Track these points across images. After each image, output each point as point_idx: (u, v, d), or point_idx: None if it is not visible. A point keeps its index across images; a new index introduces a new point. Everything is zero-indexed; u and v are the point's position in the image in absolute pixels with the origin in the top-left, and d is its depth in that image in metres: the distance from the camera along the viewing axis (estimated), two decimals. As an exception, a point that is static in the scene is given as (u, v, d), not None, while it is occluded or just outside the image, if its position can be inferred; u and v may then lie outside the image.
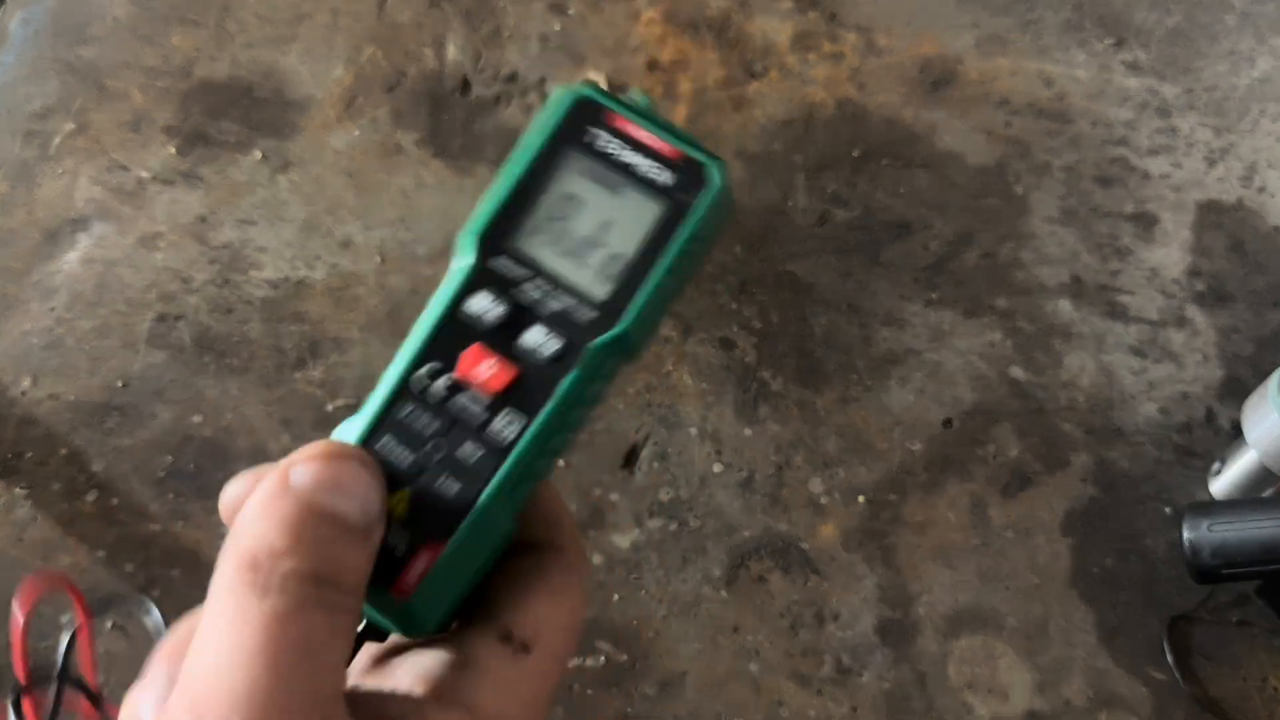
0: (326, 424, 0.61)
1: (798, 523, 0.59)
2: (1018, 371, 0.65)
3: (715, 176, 0.25)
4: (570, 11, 0.76)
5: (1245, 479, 0.58)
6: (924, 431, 0.62)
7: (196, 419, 0.61)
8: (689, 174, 0.25)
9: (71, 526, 0.58)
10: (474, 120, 0.72)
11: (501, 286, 0.25)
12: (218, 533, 0.57)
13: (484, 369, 0.24)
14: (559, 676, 0.24)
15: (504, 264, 0.25)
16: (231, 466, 0.59)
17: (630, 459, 0.61)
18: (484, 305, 0.24)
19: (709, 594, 0.57)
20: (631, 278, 0.24)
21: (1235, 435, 0.59)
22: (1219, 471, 0.60)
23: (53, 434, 0.60)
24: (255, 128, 0.71)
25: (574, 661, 0.55)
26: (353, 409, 0.25)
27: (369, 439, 0.24)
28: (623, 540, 0.59)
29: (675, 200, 0.25)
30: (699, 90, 0.74)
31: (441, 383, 0.24)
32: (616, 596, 0.57)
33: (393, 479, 0.24)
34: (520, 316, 0.24)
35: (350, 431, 0.25)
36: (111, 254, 0.66)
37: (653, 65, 0.75)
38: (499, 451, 0.24)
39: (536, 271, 0.25)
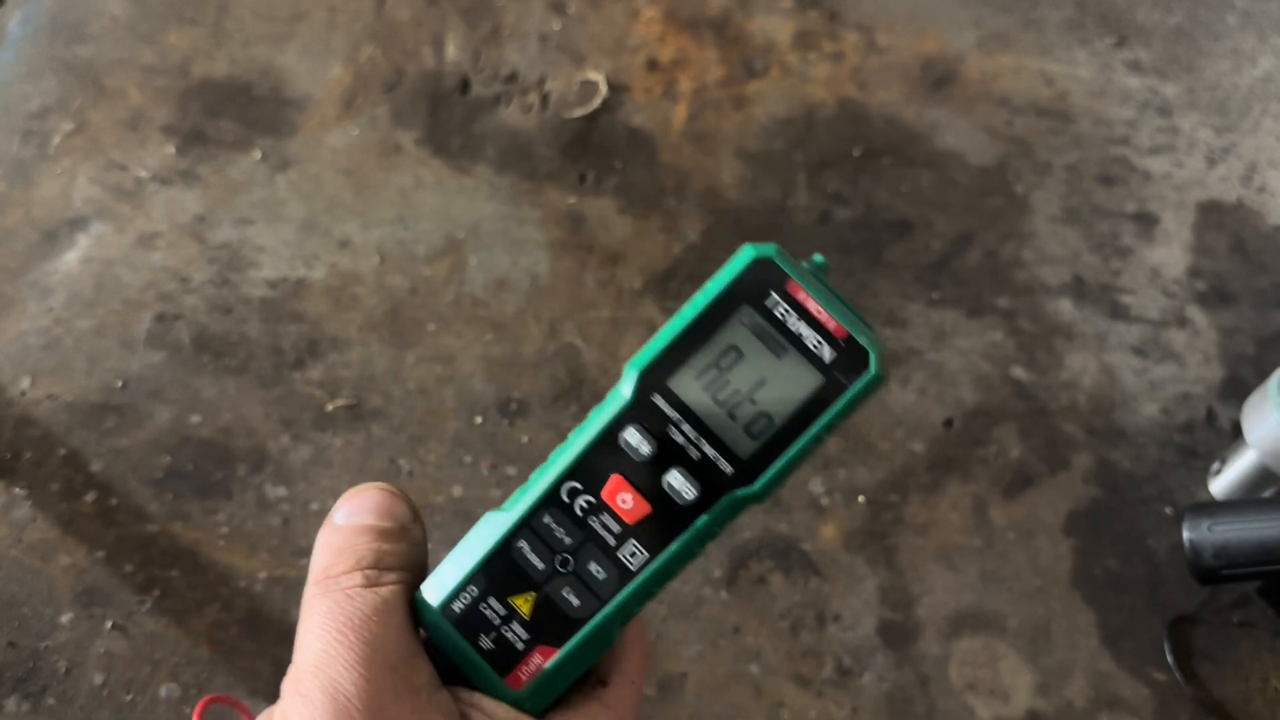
0: (325, 424, 0.60)
1: (799, 524, 0.59)
2: (1019, 372, 0.64)
3: (874, 363, 0.26)
4: (570, 10, 0.76)
5: (1246, 479, 0.58)
6: (926, 432, 0.62)
7: (195, 419, 0.61)
8: (850, 355, 0.26)
9: (70, 527, 0.57)
10: (473, 119, 0.72)
11: (654, 423, 0.26)
12: (217, 532, 0.57)
13: (623, 499, 0.26)
14: (637, 706, 0.28)
15: (660, 402, 0.26)
16: (230, 466, 0.59)
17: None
18: (636, 440, 0.26)
19: (710, 595, 0.57)
20: (776, 442, 0.26)
21: (1236, 435, 0.59)
22: (1219, 471, 0.60)
23: (51, 434, 0.60)
24: (253, 126, 0.71)
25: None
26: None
27: (512, 535, 0.27)
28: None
29: (833, 378, 0.26)
30: (699, 89, 0.74)
31: (583, 500, 0.27)
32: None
33: (526, 578, 0.27)
34: (667, 456, 0.26)
35: (500, 525, 0.27)
36: (109, 253, 0.66)
37: (652, 64, 0.74)
38: (624, 576, 0.26)
39: (689, 415, 0.26)
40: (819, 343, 0.26)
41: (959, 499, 0.60)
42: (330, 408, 0.61)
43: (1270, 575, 0.53)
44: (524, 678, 0.26)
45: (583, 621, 0.26)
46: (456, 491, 0.58)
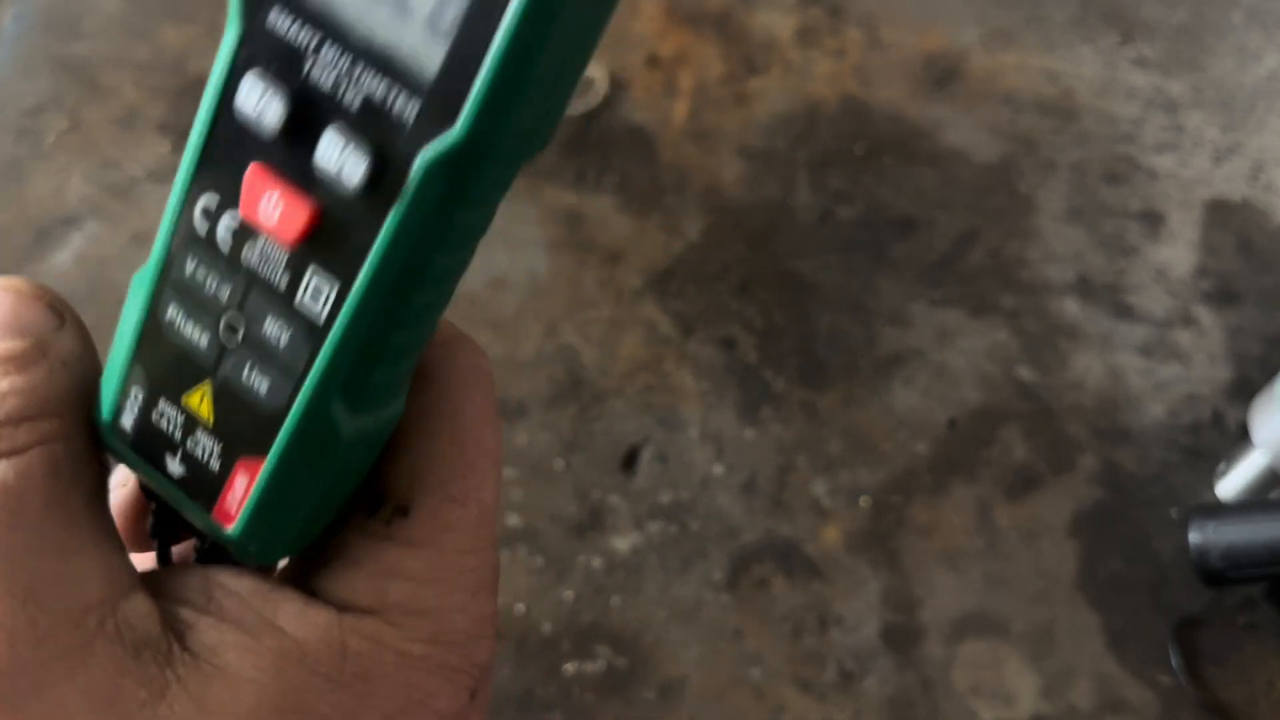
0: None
1: (800, 526, 0.59)
2: (1024, 372, 0.64)
3: None
4: (569, 6, 0.76)
5: (1252, 480, 0.58)
6: (929, 433, 0.62)
7: (190, 420, 0.60)
8: None
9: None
10: (472, 116, 0.72)
11: (279, 60, 0.16)
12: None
13: (270, 206, 0.16)
14: (476, 537, 0.18)
15: (283, 21, 0.16)
16: None
17: (630, 461, 0.60)
18: (258, 94, 0.16)
19: (710, 598, 0.57)
20: (476, 33, 0.14)
21: (1243, 436, 0.58)
22: (1225, 473, 0.59)
23: (44, 435, 0.59)
24: (250, 124, 0.70)
25: (572, 666, 0.54)
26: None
27: (155, 302, 0.18)
28: (622, 543, 0.58)
29: None
30: (700, 85, 0.73)
31: (225, 224, 0.17)
32: (616, 601, 0.56)
33: (192, 364, 0.17)
34: (310, 113, 0.15)
35: (141, 289, 0.18)
36: (104, 252, 0.65)
37: (653, 61, 0.74)
38: (311, 332, 0.16)
39: (330, 28, 0.15)
40: None
41: (962, 500, 0.60)
42: (327, 408, 0.61)
43: (1277, 578, 0.53)
44: (233, 509, 0.17)
45: (280, 413, 0.16)
46: (454, 493, 0.58)
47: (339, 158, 0.15)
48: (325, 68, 0.15)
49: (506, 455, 0.60)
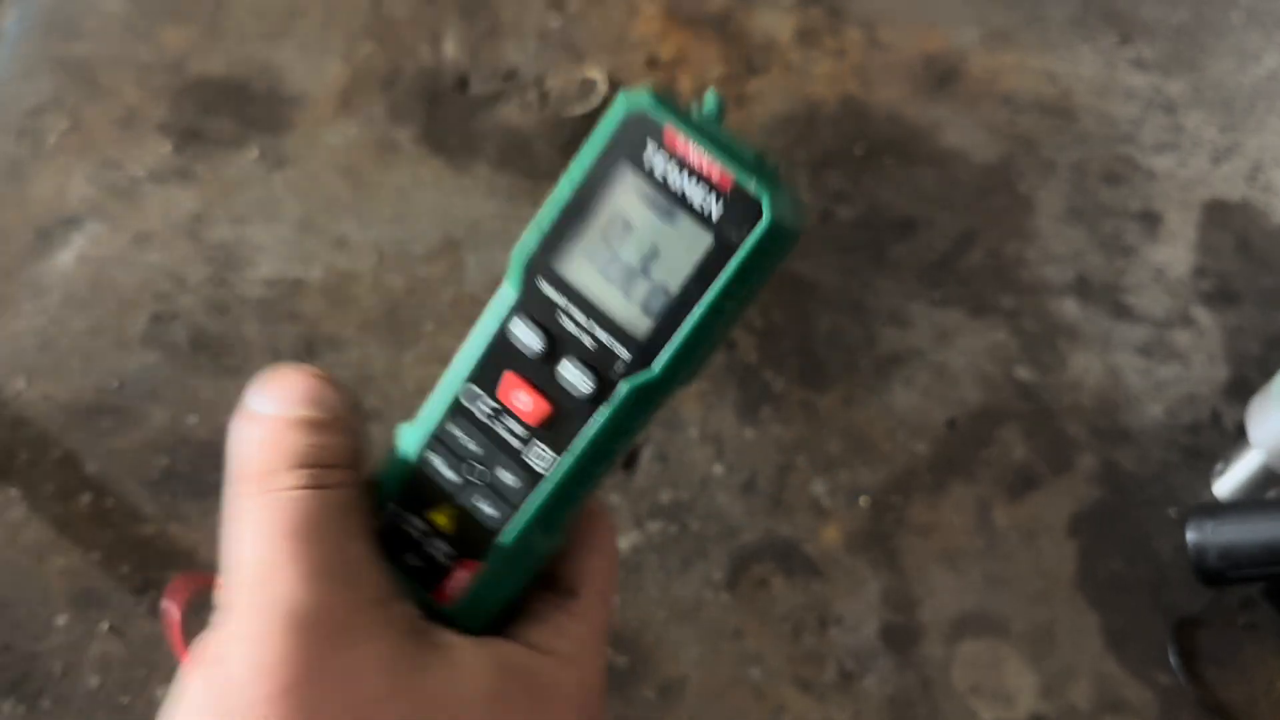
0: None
1: (800, 525, 0.59)
2: (1023, 372, 0.64)
3: (766, 211, 0.22)
4: (569, 7, 0.76)
5: (1251, 480, 0.58)
6: (928, 433, 0.62)
7: (192, 420, 0.60)
8: (740, 206, 0.22)
9: (66, 528, 0.57)
10: (472, 117, 0.72)
11: (542, 313, 0.24)
12: (214, 534, 0.57)
13: (520, 399, 0.24)
14: (607, 615, 0.26)
15: (547, 289, 0.23)
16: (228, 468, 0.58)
17: (630, 460, 0.60)
18: (524, 333, 0.24)
19: (710, 598, 0.57)
20: (672, 317, 0.23)
21: (1241, 436, 0.58)
22: (1224, 472, 0.59)
23: (46, 435, 0.59)
24: (250, 124, 0.70)
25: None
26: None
27: (424, 448, 0.25)
28: (623, 543, 0.58)
29: (721, 236, 0.22)
30: (700, 86, 0.73)
31: (485, 404, 0.24)
32: (616, 600, 0.56)
33: (441, 491, 0.25)
34: (558, 348, 0.24)
35: (410, 439, 0.25)
36: (105, 253, 0.65)
37: (653, 61, 0.74)
38: (534, 480, 0.24)
39: (577, 300, 0.23)
40: (706, 197, 0.22)
41: (962, 500, 0.60)
42: (328, 408, 0.61)
43: (1276, 577, 0.53)
44: (451, 593, 0.25)
45: (500, 531, 0.25)
46: (455, 493, 0.58)
47: (577, 378, 0.24)
48: (571, 320, 0.24)
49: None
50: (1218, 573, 0.53)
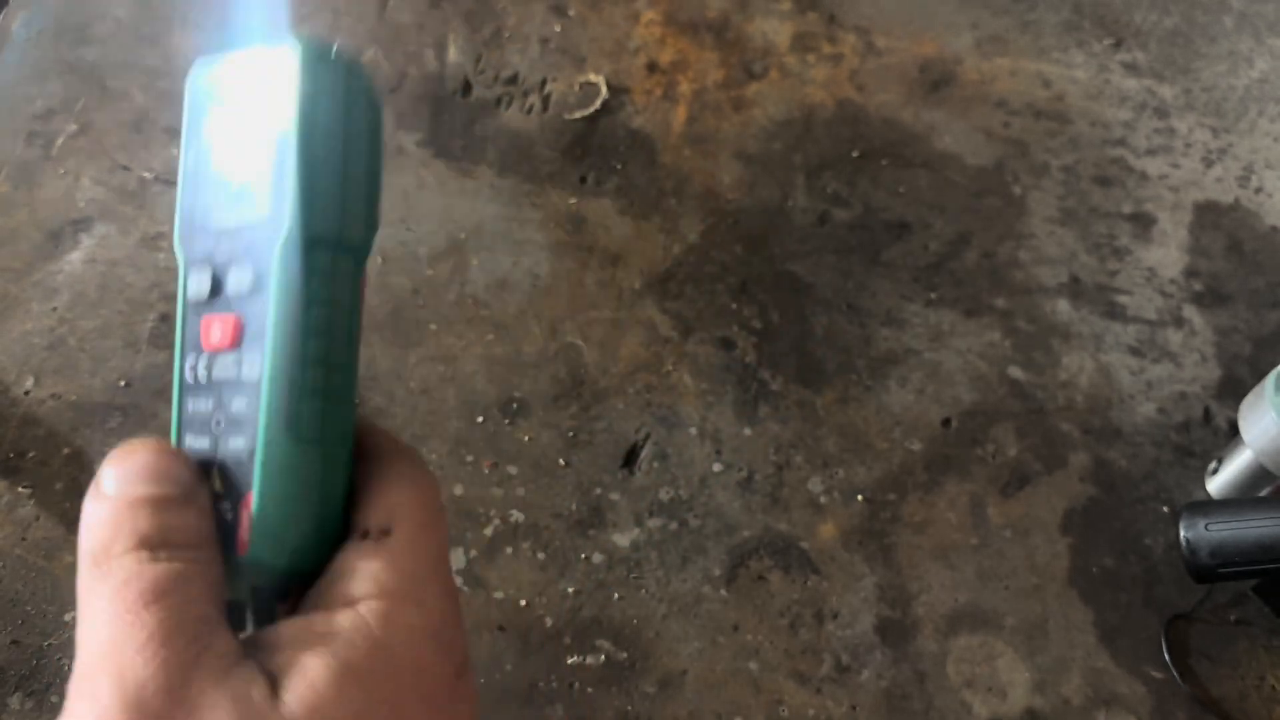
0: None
1: (797, 522, 0.60)
2: (1017, 371, 0.65)
3: (300, 52, 0.24)
4: (570, 13, 0.77)
5: (1242, 478, 0.59)
6: (923, 431, 0.63)
7: (198, 419, 0.61)
8: (277, 60, 0.24)
9: (74, 526, 0.57)
10: (475, 121, 0.73)
11: (202, 260, 0.26)
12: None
13: (214, 333, 0.25)
14: (436, 549, 0.24)
15: (198, 241, 0.26)
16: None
17: (630, 459, 0.61)
18: (194, 283, 0.25)
19: (709, 593, 0.58)
20: (277, 177, 0.24)
21: (1233, 434, 0.59)
22: (1216, 471, 0.60)
23: (55, 434, 0.60)
24: (256, 128, 0.71)
25: (574, 659, 0.55)
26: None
27: (179, 441, 0.26)
28: (623, 539, 0.59)
29: (277, 93, 0.24)
30: (699, 91, 0.74)
31: (200, 363, 0.25)
32: (616, 595, 0.57)
33: (207, 463, 0.25)
34: (220, 271, 0.25)
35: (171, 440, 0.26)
36: (113, 254, 0.66)
37: (652, 66, 0.75)
38: (254, 390, 0.24)
39: (219, 230, 0.25)
40: (256, 81, 0.25)
41: (956, 498, 0.61)
42: (332, 407, 0.61)
43: (1266, 573, 0.54)
44: (245, 536, 0.24)
45: (252, 454, 0.24)
46: (458, 490, 0.59)
47: (238, 278, 0.24)
48: (220, 247, 0.25)
49: (511, 453, 0.61)
50: (1209, 569, 0.53)
